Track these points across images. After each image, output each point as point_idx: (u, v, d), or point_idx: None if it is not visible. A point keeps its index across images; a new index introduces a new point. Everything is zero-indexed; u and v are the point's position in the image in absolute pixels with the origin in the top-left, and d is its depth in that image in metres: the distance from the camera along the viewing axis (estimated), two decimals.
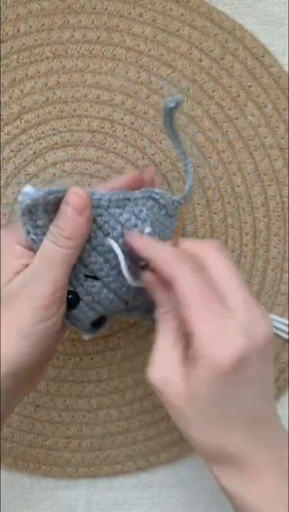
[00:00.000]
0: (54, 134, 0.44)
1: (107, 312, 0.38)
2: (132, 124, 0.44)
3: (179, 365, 0.32)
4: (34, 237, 0.33)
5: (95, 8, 0.43)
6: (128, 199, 0.36)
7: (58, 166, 0.44)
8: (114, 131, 0.44)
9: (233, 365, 0.29)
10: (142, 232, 0.36)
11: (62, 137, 0.44)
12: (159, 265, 0.33)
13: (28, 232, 0.33)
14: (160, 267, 0.33)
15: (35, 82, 0.44)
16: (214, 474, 0.33)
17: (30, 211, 0.32)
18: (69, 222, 0.33)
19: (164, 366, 0.32)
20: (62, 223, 0.33)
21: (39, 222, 0.33)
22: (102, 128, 0.44)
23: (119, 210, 0.36)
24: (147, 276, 0.35)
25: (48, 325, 0.33)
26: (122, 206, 0.36)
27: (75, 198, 0.33)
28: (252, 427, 0.31)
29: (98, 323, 0.39)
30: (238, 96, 0.44)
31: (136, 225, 0.36)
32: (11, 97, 0.44)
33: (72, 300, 0.36)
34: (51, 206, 0.33)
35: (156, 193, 0.37)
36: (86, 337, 0.39)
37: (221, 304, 0.31)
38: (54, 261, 0.33)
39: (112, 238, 0.35)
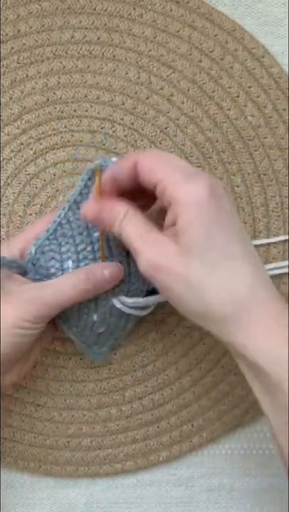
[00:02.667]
0: (54, 135, 0.44)
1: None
2: (132, 124, 0.44)
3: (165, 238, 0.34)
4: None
5: (95, 9, 0.43)
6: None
7: (58, 166, 0.44)
8: (114, 131, 0.44)
9: (208, 194, 0.32)
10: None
11: (62, 137, 0.44)
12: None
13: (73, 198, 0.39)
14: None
15: (36, 83, 0.44)
16: (218, 334, 0.34)
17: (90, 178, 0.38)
18: None
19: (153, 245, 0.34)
20: None
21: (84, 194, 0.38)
22: (102, 128, 0.44)
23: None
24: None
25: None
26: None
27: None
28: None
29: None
30: (238, 96, 0.44)
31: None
32: (11, 98, 0.44)
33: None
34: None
35: None
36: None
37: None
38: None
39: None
